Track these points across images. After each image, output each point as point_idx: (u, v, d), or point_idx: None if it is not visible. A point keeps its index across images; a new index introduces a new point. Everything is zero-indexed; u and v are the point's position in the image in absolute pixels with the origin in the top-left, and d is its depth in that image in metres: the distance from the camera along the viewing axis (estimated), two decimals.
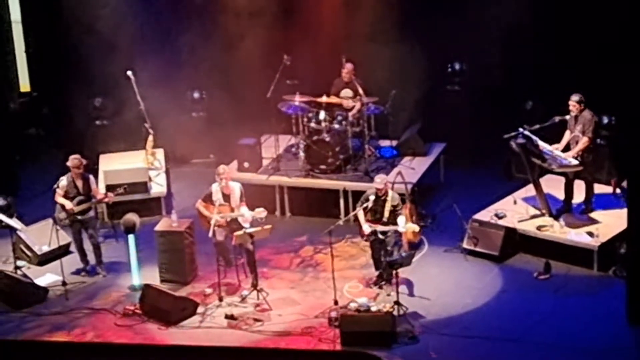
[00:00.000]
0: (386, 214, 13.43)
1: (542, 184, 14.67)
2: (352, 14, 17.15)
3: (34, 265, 14.80)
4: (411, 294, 13.50)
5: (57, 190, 14.16)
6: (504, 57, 16.81)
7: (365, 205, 13.43)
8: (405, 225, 13.48)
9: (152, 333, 13.05)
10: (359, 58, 16.44)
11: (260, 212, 13.49)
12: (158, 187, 16.39)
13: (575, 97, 14.24)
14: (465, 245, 14.55)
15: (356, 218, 13.66)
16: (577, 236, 14.02)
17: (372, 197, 13.43)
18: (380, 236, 13.39)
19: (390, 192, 13.53)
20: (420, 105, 17.24)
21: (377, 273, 13.75)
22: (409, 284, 13.66)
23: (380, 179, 13.56)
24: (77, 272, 14.52)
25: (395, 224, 13.37)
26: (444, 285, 13.79)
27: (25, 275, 14.24)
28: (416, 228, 13.71)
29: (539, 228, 14.30)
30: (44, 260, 14.80)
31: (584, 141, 14.11)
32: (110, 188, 14.86)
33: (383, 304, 13.07)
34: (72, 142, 17.11)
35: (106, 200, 14.47)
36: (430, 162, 16.43)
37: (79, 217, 14.21)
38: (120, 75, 16.51)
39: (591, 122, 14.16)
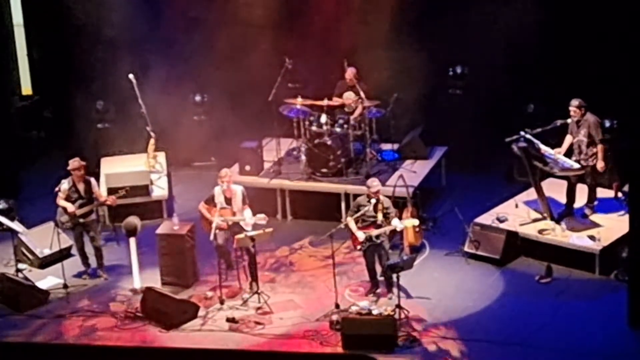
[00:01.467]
0: (380, 217, 13.32)
1: (544, 188, 14.66)
2: (354, 18, 17.16)
3: (35, 268, 14.80)
4: (412, 297, 13.49)
5: (59, 193, 14.16)
6: (505, 60, 16.80)
7: (363, 211, 13.28)
8: (404, 222, 13.45)
9: (153, 336, 13.04)
10: (361, 61, 16.42)
11: (261, 219, 13.49)
12: (159, 190, 16.38)
13: (575, 102, 14.20)
14: (466, 248, 14.53)
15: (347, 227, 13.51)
16: (579, 240, 14.00)
17: (367, 201, 13.30)
18: (375, 240, 13.33)
19: (381, 196, 13.44)
20: (422, 108, 17.20)
21: (377, 280, 13.66)
22: (411, 287, 13.64)
23: (376, 182, 13.47)
24: (79, 275, 14.52)
25: (389, 226, 13.32)
26: (445, 288, 13.77)
27: (26, 278, 14.24)
28: (415, 222, 13.64)
29: (540, 232, 14.29)
30: (45, 263, 14.80)
31: (600, 148, 14.08)
32: (111, 191, 14.86)
33: (384, 307, 13.06)
34: (73, 145, 17.14)
35: (108, 203, 14.46)
36: (431, 166, 16.41)
37: (81, 220, 14.20)
38: (122, 78, 16.50)
39: (597, 126, 14.14)
